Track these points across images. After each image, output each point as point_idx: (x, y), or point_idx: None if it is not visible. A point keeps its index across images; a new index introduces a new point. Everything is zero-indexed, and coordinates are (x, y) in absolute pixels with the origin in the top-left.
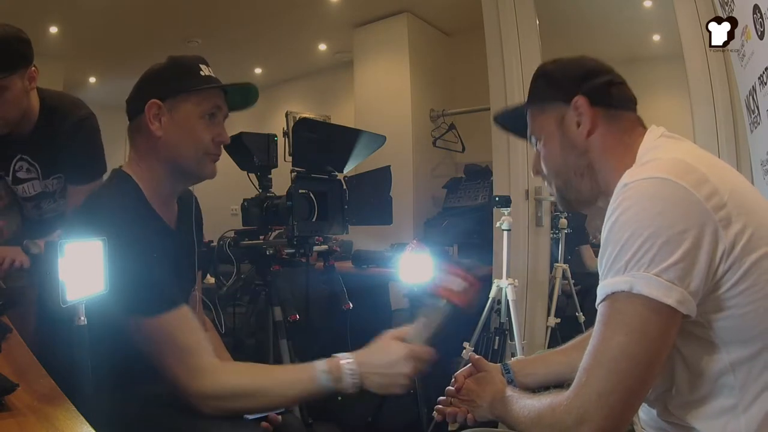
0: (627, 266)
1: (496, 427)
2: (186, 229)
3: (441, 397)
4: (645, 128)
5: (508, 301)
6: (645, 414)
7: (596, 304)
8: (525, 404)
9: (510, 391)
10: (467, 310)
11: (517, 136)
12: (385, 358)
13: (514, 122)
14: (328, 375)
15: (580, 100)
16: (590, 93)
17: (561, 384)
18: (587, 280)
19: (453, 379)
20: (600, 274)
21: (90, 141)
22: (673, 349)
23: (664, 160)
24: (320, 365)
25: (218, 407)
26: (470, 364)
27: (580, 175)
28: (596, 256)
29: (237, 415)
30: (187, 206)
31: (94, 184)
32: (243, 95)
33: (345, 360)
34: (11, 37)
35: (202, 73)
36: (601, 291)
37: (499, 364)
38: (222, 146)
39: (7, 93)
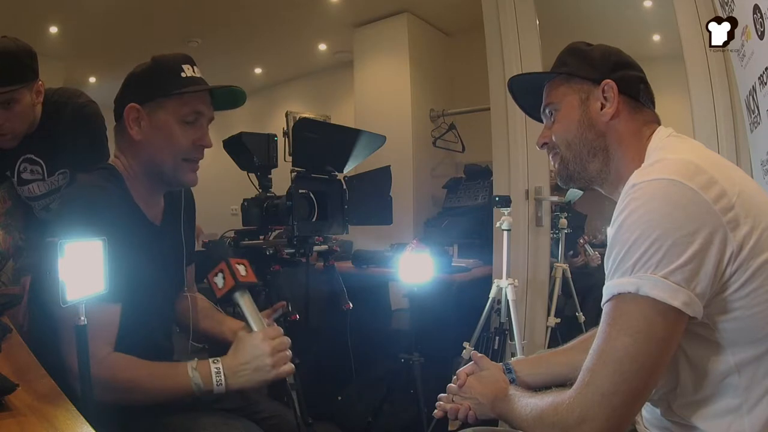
0: (634, 267)
1: (497, 426)
2: (173, 226)
3: (442, 394)
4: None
5: (508, 301)
6: (648, 413)
7: (602, 303)
8: (527, 403)
9: (512, 390)
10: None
11: (521, 107)
12: (245, 352)
13: (525, 91)
14: (197, 371)
15: (610, 84)
16: (621, 81)
17: (562, 384)
18: (587, 281)
19: (455, 377)
20: (606, 273)
21: (91, 126)
22: (678, 349)
23: (672, 160)
24: (192, 363)
25: (106, 396)
26: (472, 362)
27: (593, 154)
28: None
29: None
30: (176, 201)
31: None
32: (231, 96)
33: (213, 362)
34: (21, 50)
35: (183, 75)
36: (607, 291)
37: (500, 364)
38: (204, 150)
39: (16, 106)
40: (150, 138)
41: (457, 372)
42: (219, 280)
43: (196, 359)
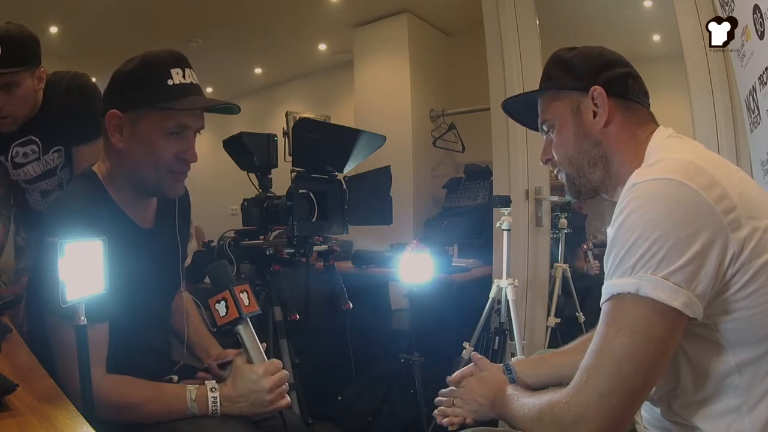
0: (634, 268)
1: (497, 426)
2: (168, 227)
3: (442, 390)
4: (657, 125)
5: (508, 301)
6: (648, 413)
7: (601, 303)
8: (525, 402)
9: (511, 390)
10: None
11: (523, 125)
12: (244, 385)
13: (521, 110)
14: (195, 402)
15: (598, 90)
16: (608, 83)
17: (562, 385)
18: (587, 281)
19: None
20: (606, 273)
21: (86, 93)
22: (679, 349)
23: (673, 160)
24: (191, 391)
25: (103, 416)
26: (472, 363)
27: (593, 165)
28: (593, 257)
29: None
30: (171, 203)
31: (97, 143)
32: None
33: (211, 391)
34: (24, 35)
35: (171, 83)
36: (607, 291)
37: (500, 364)
38: (190, 163)
39: (17, 89)
40: (131, 147)
41: (456, 374)
42: (221, 308)
43: (196, 387)
